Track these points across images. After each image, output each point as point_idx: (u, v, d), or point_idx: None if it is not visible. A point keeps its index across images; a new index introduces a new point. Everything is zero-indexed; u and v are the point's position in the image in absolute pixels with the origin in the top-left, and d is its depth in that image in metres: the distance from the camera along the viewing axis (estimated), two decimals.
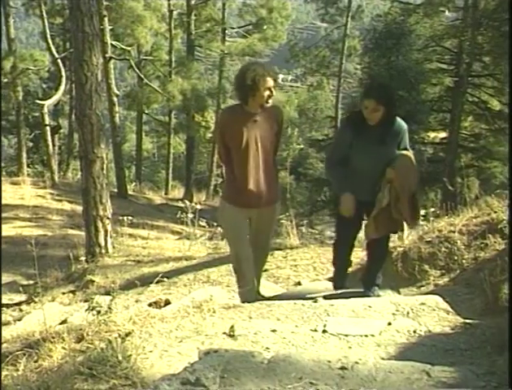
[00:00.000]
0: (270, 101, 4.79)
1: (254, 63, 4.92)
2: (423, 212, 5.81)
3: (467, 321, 4.03)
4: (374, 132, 4.76)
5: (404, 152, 4.84)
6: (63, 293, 7.19)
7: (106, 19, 20.31)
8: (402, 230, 5.33)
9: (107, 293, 5.39)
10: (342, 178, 4.91)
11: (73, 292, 7.25)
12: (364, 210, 4.91)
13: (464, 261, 5.41)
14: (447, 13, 23.24)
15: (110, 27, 21.64)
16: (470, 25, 21.11)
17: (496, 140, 21.21)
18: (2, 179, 17.64)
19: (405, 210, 4.71)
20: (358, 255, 6.54)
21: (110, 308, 3.88)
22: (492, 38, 19.59)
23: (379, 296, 4.99)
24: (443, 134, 21.36)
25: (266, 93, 4.73)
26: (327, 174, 5.19)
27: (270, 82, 4.72)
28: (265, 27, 26.13)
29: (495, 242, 5.36)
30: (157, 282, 5.01)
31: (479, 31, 20.89)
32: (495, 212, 5.77)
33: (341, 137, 5.03)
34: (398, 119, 4.86)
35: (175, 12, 26.73)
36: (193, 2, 26.24)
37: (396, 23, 23.63)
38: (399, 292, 5.13)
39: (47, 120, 21.22)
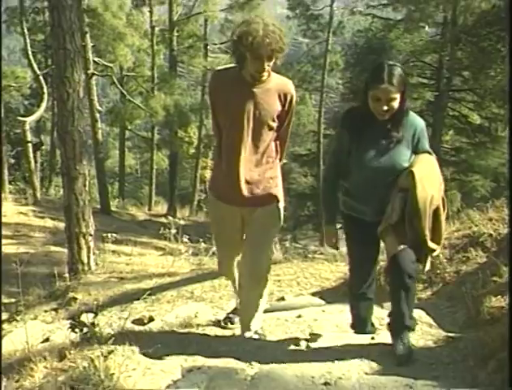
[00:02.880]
0: (264, 76, 3.75)
1: (260, 22, 3.66)
2: None
3: (450, 334, 4.06)
4: (381, 132, 3.67)
5: (423, 154, 3.72)
6: (46, 311, 7.12)
7: (87, 35, 20.34)
8: (420, 255, 3.71)
9: (90, 311, 5.36)
10: (331, 204, 3.97)
11: (56, 309, 7.18)
12: (375, 231, 3.75)
13: (446, 274, 5.43)
14: (427, 28, 23.51)
15: (92, 43, 21.66)
16: (449, 41, 21.38)
17: (476, 153, 21.44)
18: None
19: (423, 229, 3.53)
20: (341, 269, 6.56)
21: (92, 325, 3.85)
22: (471, 53, 19.87)
23: (410, 348, 3.65)
24: None
25: (260, 65, 3.67)
26: (321, 193, 4.22)
27: (266, 51, 3.61)
28: None
29: (476, 255, 5.39)
30: (141, 299, 4.99)
31: (458, 46, 21.16)
32: (476, 225, 5.82)
33: (338, 144, 3.84)
34: (411, 113, 3.76)
35: (157, 28, 26.80)
36: (175, 19, 26.31)
37: (377, 38, 23.92)
38: (382, 307, 5.14)
39: (29, 137, 21.11)
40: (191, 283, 7.06)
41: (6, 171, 23.85)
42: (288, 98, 3.92)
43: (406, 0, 22.54)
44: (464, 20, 21.55)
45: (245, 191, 3.90)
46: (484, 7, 20.66)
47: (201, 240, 9.63)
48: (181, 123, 25.66)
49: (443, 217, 3.67)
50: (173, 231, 9.21)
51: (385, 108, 3.54)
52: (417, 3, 22.27)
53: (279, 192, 4.06)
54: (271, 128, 3.89)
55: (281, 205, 4.08)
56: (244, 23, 3.69)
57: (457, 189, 21.25)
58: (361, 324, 4.10)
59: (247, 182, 3.90)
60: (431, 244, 3.59)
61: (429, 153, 3.77)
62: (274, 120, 3.87)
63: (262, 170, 3.95)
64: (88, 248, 8.14)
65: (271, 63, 3.69)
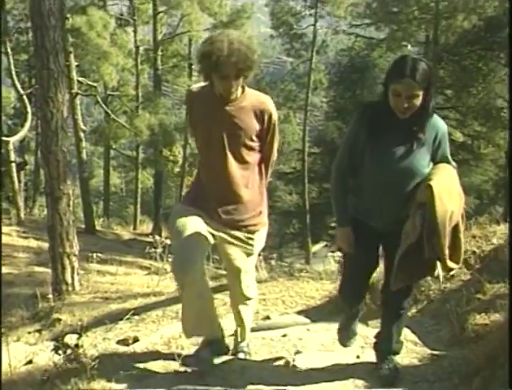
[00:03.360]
0: (232, 94, 3.52)
1: (225, 39, 3.41)
2: None
3: (435, 352, 4.06)
4: (401, 132, 3.34)
5: (443, 164, 3.42)
6: (29, 333, 7.05)
7: (71, 55, 20.33)
8: (432, 274, 3.52)
9: (74, 332, 5.32)
10: (343, 204, 3.56)
11: (39, 331, 7.11)
12: (383, 243, 3.57)
13: (431, 292, 5.44)
14: (409, 47, 23.76)
15: (77, 63, 21.64)
16: (431, 59, 21.57)
17: (459, 170, 21.45)
18: None
19: (442, 248, 3.24)
20: (326, 287, 6.57)
21: (76, 347, 3.83)
22: (453, 72, 20.11)
23: (396, 369, 3.66)
24: None
25: (227, 84, 3.45)
26: (331, 189, 3.69)
27: (232, 71, 3.39)
28: None
29: (460, 273, 5.41)
30: (125, 319, 4.96)
31: (440, 65, 21.40)
32: None
33: (352, 141, 3.46)
34: (434, 116, 3.42)
35: (141, 48, 26.87)
36: (159, 38, 26.41)
37: (360, 57, 24.17)
38: (367, 325, 5.14)
39: (13, 157, 21.01)
40: (176, 302, 7.01)
41: None
42: (266, 116, 3.61)
43: (389, 19, 22.84)
44: (446, 39, 21.88)
45: (224, 215, 3.63)
46: (465, 27, 20.95)
47: None
48: (166, 142, 25.68)
49: (462, 234, 3.40)
50: (159, 250, 9.16)
51: (406, 105, 3.20)
52: (399, 23, 22.58)
53: (263, 219, 3.81)
54: (250, 148, 3.60)
55: (265, 231, 3.83)
56: (207, 41, 3.47)
57: None
58: (344, 336, 3.95)
59: (227, 210, 3.63)
60: (450, 264, 3.32)
61: (448, 161, 3.47)
62: (253, 140, 3.60)
63: (245, 194, 3.65)
64: (73, 268, 8.09)
65: (240, 81, 3.47)
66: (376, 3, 23.07)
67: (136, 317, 6.25)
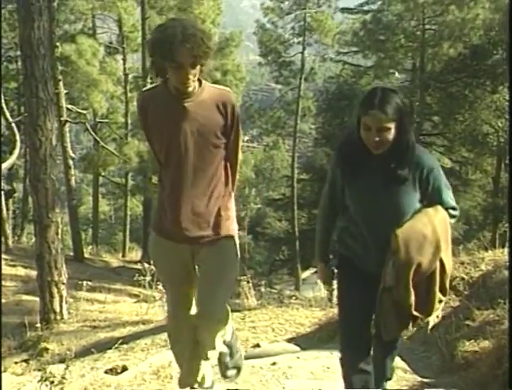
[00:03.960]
0: (190, 86, 3.11)
1: (178, 25, 3.05)
2: None
3: (425, 380, 4.06)
4: (380, 169, 3.09)
5: (428, 209, 3.12)
6: (16, 363, 6.98)
7: (61, 83, 20.37)
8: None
9: (62, 361, 5.27)
10: (323, 241, 3.42)
11: (26, 361, 7.04)
12: (374, 285, 3.16)
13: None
14: (396, 75, 24.08)
15: (66, 91, 21.68)
16: (418, 86, 21.87)
17: None
18: None
19: (405, 297, 3.04)
20: (316, 314, 6.56)
21: (64, 377, 3.78)
22: (439, 99, 20.32)
23: None
24: None
25: (183, 74, 3.06)
26: (317, 225, 3.51)
27: (188, 58, 3.02)
28: None
29: (449, 299, 5.42)
30: (114, 347, 4.92)
31: (427, 92, 21.64)
32: None
33: (331, 179, 3.29)
34: (419, 150, 3.15)
35: (130, 75, 26.96)
36: (148, 66, 26.52)
37: (348, 84, 24.38)
38: None
39: (1, 184, 20.94)
40: (165, 330, 6.98)
41: None
42: (229, 109, 3.24)
43: (376, 47, 23.10)
44: (432, 67, 22.16)
45: (190, 225, 3.25)
46: (451, 54, 21.21)
47: None
48: (155, 169, 25.63)
49: (436, 288, 3.10)
50: (147, 277, 9.13)
51: (377, 139, 2.97)
52: (386, 50, 22.84)
53: (232, 225, 3.40)
54: (216, 146, 3.24)
55: (236, 240, 3.42)
56: (158, 28, 3.13)
57: None
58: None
59: (193, 214, 3.24)
60: (415, 313, 3.06)
61: (442, 202, 3.15)
62: (218, 137, 3.23)
63: (210, 199, 3.27)
64: (61, 296, 8.05)
65: (197, 71, 3.08)
66: (363, 31, 23.33)
67: (125, 345, 6.21)
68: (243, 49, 38.79)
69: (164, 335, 6.73)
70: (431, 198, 3.12)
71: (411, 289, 3.02)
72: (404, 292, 3.03)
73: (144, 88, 3.56)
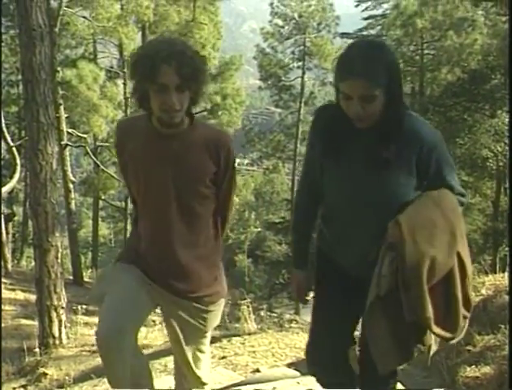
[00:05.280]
0: (175, 117, 2.54)
1: (165, 40, 2.59)
2: None
3: None
4: (366, 146, 2.43)
5: (434, 191, 2.43)
6: (14, 388, 6.93)
7: (61, 107, 20.49)
8: (424, 344, 2.48)
9: (61, 387, 5.24)
10: (300, 239, 2.80)
11: (25, 386, 7.00)
12: (357, 289, 2.53)
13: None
14: None
15: (66, 115, 21.80)
16: (418, 110, 21.94)
17: None
18: None
19: (423, 309, 2.26)
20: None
21: None
22: (439, 123, 20.38)
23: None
24: None
25: (167, 98, 2.48)
26: (291, 223, 2.93)
27: (173, 80, 2.46)
28: (220, 113, 26.59)
29: None
30: None
31: (426, 116, 21.72)
32: None
33: (309, 157, 2.65)
34: (416, 121, 2.47)
35: (130, 99, 27.12)
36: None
37: None
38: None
39: (1, 208, 20.95)
40: (164, 355, 6.94)
41: None
42: (223, 154, 2.66)
43: None
44: (431, 91, 22.31)
45: (169, 281, 2.73)
46: (450, 79, 21.37)
47: None
48: None
49: (458, 293, 2.33)
50: None
51: (360, 110, 2.29)
52: None
53: (219, 285, 2.87)
54: (204, 197, 2.68)
55: (222, 303, 2.90)
56: (143, 45, 2.69)
57: None
58: None
59: (174, 270, 2.72)
60: (437, 330, 2.31)
61: (448, 185, 2.47)
62: (207, 186, 2.67)
63: (196, 254, 2.74)
64: (60, 321, 8.02)
65: (185, 98, 2.53)
66: None
67: None
68: (243, 73, 39.12)
69: (164, 360, 6.70)
70: (434, 180, 2.45)
71: (427, 296, 2.24)
72: (417, 300, 2.25)
73: (124, 117, 2.42)
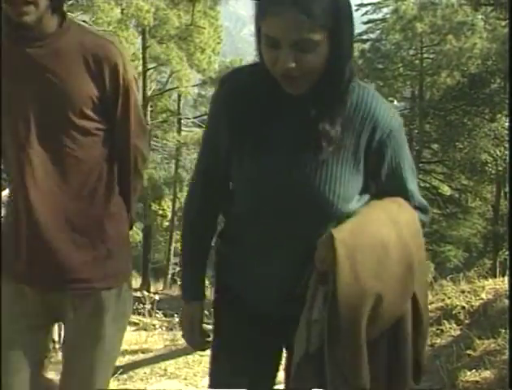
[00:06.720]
0: (27, 8, 1.66)
1: None
2: None
3: None
4: (297, 124, 1.57)
5: (390, 200, 1.61)
6: None
7: None
8: None
9: None
10: (195, 255, 1.84)
11: None
12: (282, 340, 1.76)
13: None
14: (395, 103, 24.23)
15: None
16: (417, 114, 22.03)
17: (448, 224, 21.78)
18: None
19: (359, 371, 1.49)
20: None
21: None
22: (439, 127, 20.47)
23: None
24: None
25: None
26: (182, 228, 1.92)
27: None
28: None
29: (450, 328, 5.39)
30: (113, 377, 4.89)
31: (426, 120, 21.81)
32: (449, 298, 5.85)
33: (211, 138, 1.74)
34: (367, 89, 1.61)
35: None
36: (148, 94, 26.70)
37: None
38: None
39: (1, 211, 20.91)
40: (164, 359, 6.94)
41: None
42: (108, 70, 1.80)
43: (375, 76, 23.30)
44: (431, 95, 22.37)
45: (44, 268, 1.85)
46: (449, 83, 21.41)
47: (175, 315, 9.53)
48: (155, 197, 25.77)
49: (408, 350, 1.62)
50: (147, 305, 9.10)
51: (292, 63, 1.44)
52: (385, 79, 23.06)
53: (118, 262, 2.01)
54: (84, 133, 1.80)
55: (127, 291, 2.02)
56: None
57: (431, 259, 21.48)
58: None
59: (47, 245, 1.82)
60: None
61: (404, 191, 1.65)
62: (86, 116, 1.79)
63: (76, 219, 1.84)
64: (60, 325, 8.02)
65: None
66: (362, 60, 23.55)
67: (124, 375, 6.16)
68: None
69: (164, 364, 6.70)
70: (387, 185, 1.65)
71: (364, 354, 1.50)
72: (349, 359, 1.50)
73: None
